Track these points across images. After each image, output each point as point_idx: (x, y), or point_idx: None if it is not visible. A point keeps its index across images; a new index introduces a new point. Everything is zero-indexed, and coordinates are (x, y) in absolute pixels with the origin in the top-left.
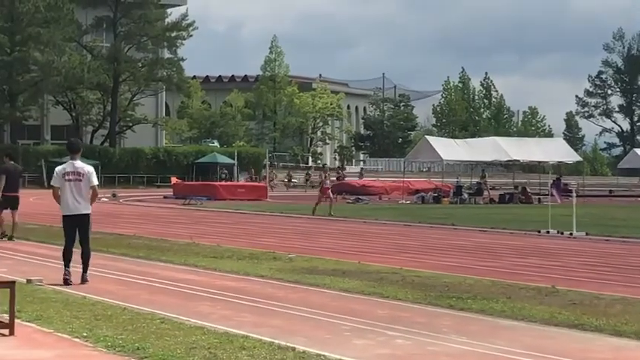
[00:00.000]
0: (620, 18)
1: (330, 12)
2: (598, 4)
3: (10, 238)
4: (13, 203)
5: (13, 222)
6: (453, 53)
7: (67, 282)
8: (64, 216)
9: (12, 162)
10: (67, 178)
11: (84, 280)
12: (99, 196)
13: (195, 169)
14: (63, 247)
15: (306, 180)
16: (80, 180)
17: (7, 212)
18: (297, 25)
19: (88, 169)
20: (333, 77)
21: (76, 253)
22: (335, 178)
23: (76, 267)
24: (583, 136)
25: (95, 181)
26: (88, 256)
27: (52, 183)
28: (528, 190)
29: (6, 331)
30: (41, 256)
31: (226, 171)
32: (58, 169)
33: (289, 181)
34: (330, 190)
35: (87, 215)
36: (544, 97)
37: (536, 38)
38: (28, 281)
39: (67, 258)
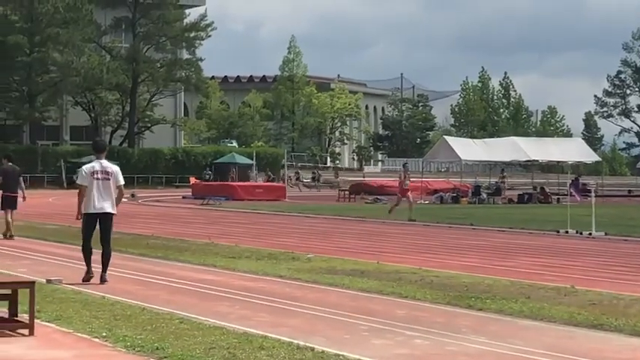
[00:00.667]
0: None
1: (349, 12)
2: (618, 2)
3: (11, 237)
4: (11, 203)
5: (11, 220)
6: (471, 52)
7: (88, 280)
8: (87, 214)
9: (10, 164)
10: (95, 176)
11: (103, 280)
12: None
13: (213, 169)
14: (82, 246)
15: (313, 179)
16: (108, 179)
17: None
18: (315, 26)
19: (116, 168)
20: (352, 77)
21: (96, 253)
22: (310, 179)
23: (95, 266)
24: (602, 136)
25: (122, 181)
26: (108, 257)
27: (79, 182)
28: (547, 189)
29: (26, 331)
30: (60, 256)
31: (210, 172)
32: (86, 167)
33: (297, 179)
34: (409, 192)
35: (112, 215)
36: (563, 97)
37: (555, 37)
38: (48, 281)
39: (88, 256)
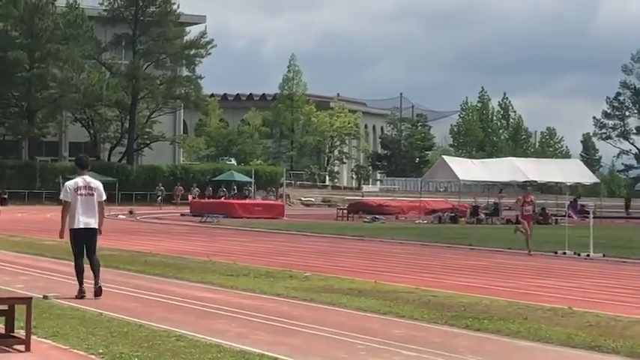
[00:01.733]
0: None
1: (350, 31)
2: (619, 24)
3: None
4: None
5: None
6: (471, 73)
7: (81, 298)
8: (74, 229)
9: None
10: (79, 192)
11: (97, 289)
12: (116, 213)
13: (212, 187)
14: (74, 264)
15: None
16: (92, 194)
17: None
18: (316, 44)
19: (98, 184)
20: (351, 96)
21: (87, 269)
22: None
23: (86, 281)
24: (600, 158)
25: (104, 197)
26: (98, 266)
27: (62, 198)
28: (547, 210)
29: (22, 347)
30: (57, 272)
31: (198, 189)
32: (69, 183)
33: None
34: (530, 221)
35: (97, 230)
36: (563, 118)
37: (557, 58)
38: (45, 297)
39: (80, 275)
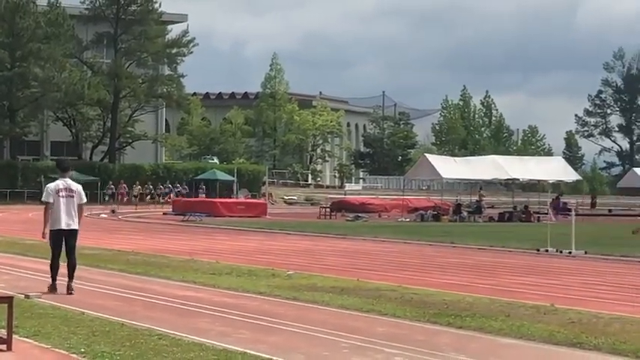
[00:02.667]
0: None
1: (333, 31)
2: (601, 23)
3: None
4: None
5: None
6: (454, 72)
7: (53, 292)
8: (54, 230)
9: None
10: (60, 194)
11: (70, 289)
12: (98, 212)
13: (195, 185)
14: (51, 261)
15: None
16: (73, 197)
17: None
18: (299, 43)
19: (79, 186)
20: (334, 95)
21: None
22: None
23: (60, 279)
24: (582, 155)
25: (85, 199)
26: (74, 267)
27: (44, 199)
28: (530, 208)
29: (4, 347)
30: (39, 271)
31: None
32: (51, 185)
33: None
34: None
35: (77, 231)
36: (547, 116)
37: (539, 57)
38: (26, 297)
39: (55, 271)
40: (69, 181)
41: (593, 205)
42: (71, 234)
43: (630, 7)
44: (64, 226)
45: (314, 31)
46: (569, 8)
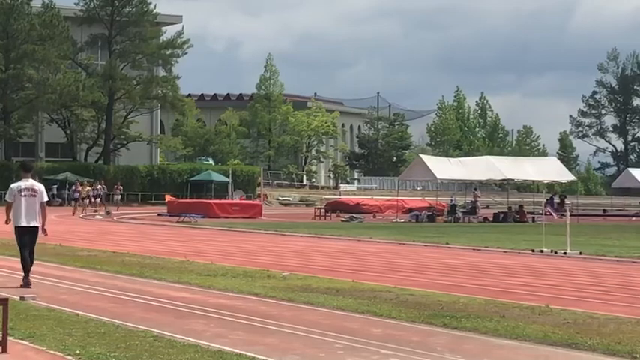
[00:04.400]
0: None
1: (328, 32)
2: (596, 24)
3: None
4: None
5: None
6: (449, 73)
7: (27, 286)
8: (18, 227)
9: None
10: (22, 194)
11: (26, 282)
12: (93, 214)
13: (189, 187)
14: (20, 256)
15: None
16: (35, 196)
17: None
18: (294, 45)
19: (41, 187)
20: (329, 96)
21: (17, 261)
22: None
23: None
24: (577, 156)
25: (46, 198)
26: (31, 263)
27: (7, 199)
28: (524, 209)
29: None
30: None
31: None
32: (13, 185)
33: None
34: None
35: (37, 228)
36: (542, 117)
37: (534, 58)
38: (22, 298)
39: (26, 267)
40: (31, 181)
41: (562, 204)
42: (32, 231)
43: (624, 9)
44: (24, 224)
45: (309, 33)
46: (563, 9)
